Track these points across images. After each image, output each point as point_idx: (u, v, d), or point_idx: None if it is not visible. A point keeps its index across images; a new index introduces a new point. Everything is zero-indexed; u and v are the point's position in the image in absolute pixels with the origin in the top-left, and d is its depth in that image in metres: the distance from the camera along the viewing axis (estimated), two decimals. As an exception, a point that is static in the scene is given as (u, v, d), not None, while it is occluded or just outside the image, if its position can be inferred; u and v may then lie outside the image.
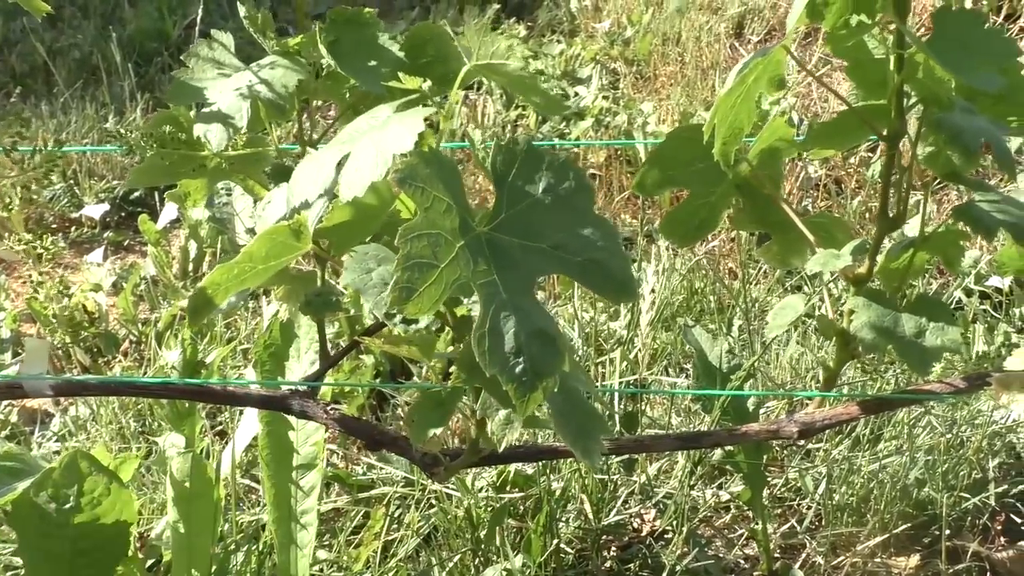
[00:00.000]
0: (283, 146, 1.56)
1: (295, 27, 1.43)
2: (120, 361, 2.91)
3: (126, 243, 3.61)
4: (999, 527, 2.23)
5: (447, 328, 1.36)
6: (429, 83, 1.24)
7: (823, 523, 2.23)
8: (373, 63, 1.45)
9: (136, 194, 3.74)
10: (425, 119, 1.16)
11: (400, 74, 1.24)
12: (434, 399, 1.29)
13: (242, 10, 1.48)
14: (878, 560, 2.17)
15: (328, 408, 1.46)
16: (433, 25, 1.53)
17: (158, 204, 3.57)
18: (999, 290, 2.92)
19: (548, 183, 1.14)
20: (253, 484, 2.34)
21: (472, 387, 1.24)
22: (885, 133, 1.37)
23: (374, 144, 1.16)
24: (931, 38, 1.27)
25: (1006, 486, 2.24)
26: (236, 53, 1.50)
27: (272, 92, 1.39)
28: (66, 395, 1.64)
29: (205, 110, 1.41)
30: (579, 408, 1.19)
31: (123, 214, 3.73)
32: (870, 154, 3.58)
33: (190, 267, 3.25)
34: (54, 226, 3.63)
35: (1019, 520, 2.23)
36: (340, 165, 1.18)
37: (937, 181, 1.48)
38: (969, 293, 2.90)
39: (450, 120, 1.24)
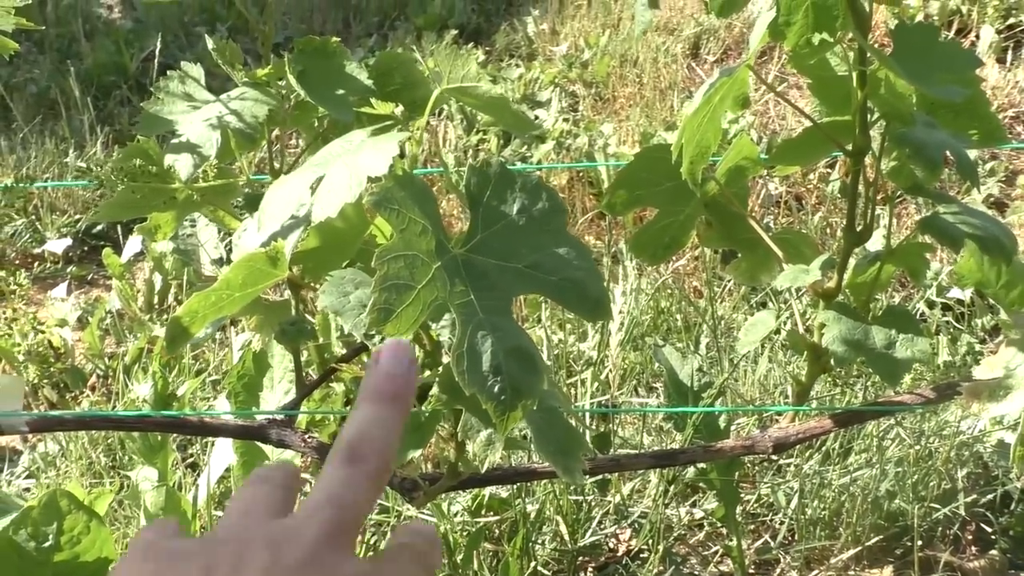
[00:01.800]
0: (253, 176, 1.56)
1: (252, 57, 1.43)
2: (88, 396, 2.90)
3: (90, 277, 3.59)
4: (970, 537, 2.26)
5: (420, 353, 1.37)
6: (401, 108, 1.25)
7: (796, 537, 2.24)
8: (341, 91, 1.45)
9: (99, 228, 3.73)
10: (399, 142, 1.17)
11: (372, 100, 1.24)
12: (412, 422, 1.29)
13: (210, 43, 1.48)
14: (851, 573, 2.19)
15: (306, 436, 1.46)
16: (400, 53, 1.54)
17: (121, 237, 3.56)
18: (960, 301, 2.95)
19: (522, 204, 1.15)
20: (226, 516, 2.33)
21: (452, 410, 1.25)
22: (850, 148, 1.39)
23: (348, 167, 1.17)
24: (892, 52, 1.29)
25: (975, 496, 2.27)
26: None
27: (242, 122, 1.39)
28: (42, 431, 1.64)
29: (174, 141, 1.41)
30: (558, 426, 1.20)
31: (86, 248, 3.72)
32: (829, 170, 3.62)
33: (155, 299, 3.24)
34: (16, 262, 3.60)
35: (989, 529, 2.26)
36: (313, 188, 1.19)
37: (898, 195, 1.50)
38: (931, 305, 2.94)
39: (419, 145, 1.25)
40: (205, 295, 1.26)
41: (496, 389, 1.06)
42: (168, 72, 1.47)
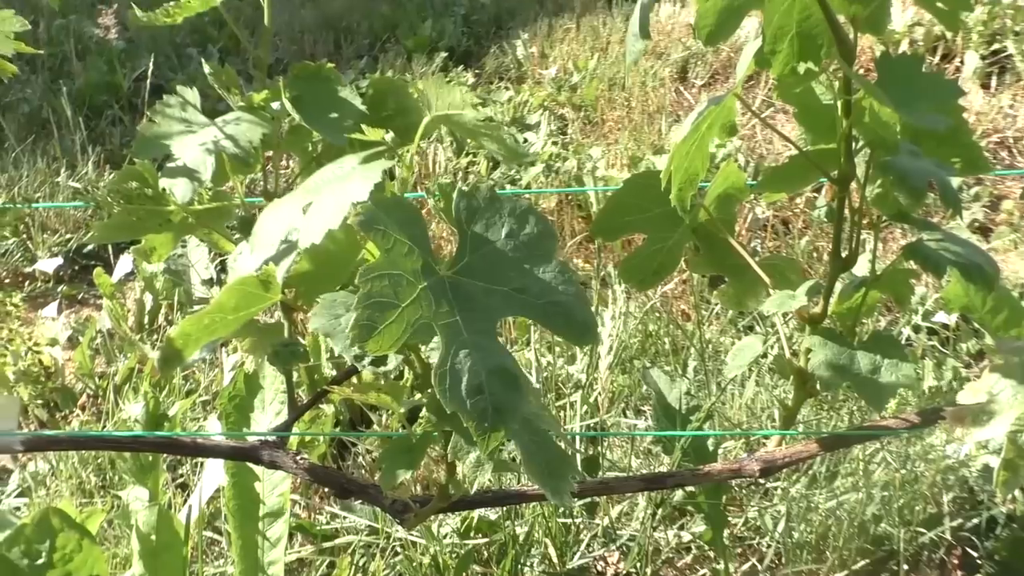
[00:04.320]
0: (248, 199, 1.58)
1: (243, 79, 1.45)
2: (78, 415, 2.90)
3: (80, 296, 3.59)
4: (956, 561, 2.27)
5: (408, 375, 1.39)
6: (392, 135, 1.27)
7: (783, 561, 2.25)
8: (335, 116, 1.47)
9: (90, 248, 3.73)
10: (386, 169, 1.19)
11: (364, 126, 1.26)
12: (404, 444, 1.31)
13: (206, 67, 1.50)
14: (838, 595, 2.20)
15: (298, 458, 1.47)
16: (393, 79, 1.56)
17: (112, 257, 3.56)
18: (946, 326, 2.97)
19: (510, 229, 1.17)
20: (215, 536, 2.34)
21: (443, 432, 1.26)
22: (835, 176, 1.41)
23: (335, 194, 1.19)
24: (877, 81, 1.32)
25: (961, 520, 2.28)
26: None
27: (237, 147, 1.41)
28: (37, 450, 1.65)
29: (170, 164, 1.42)
30: (547, 449, 1.21)
31: (77, 268, 3.72)
32: (815, 195, 3.64)
33: (146, 319, 3.25)
34: (7, 281, 3.61)
35: (975, 554, 2.27)
36: (305, 213, 1.21)
37: (883, 220, 1.52)
38: (917, 329, 2.96)
39: (411, 170, 1.27)
40: (198, 318, 1.27)
41: (477, 408, 1.08)
42: (164, 96, 1.49)
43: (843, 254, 1.46)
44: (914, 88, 1.33)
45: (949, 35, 4.42)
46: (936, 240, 1.42)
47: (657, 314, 3.02)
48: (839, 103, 1.37)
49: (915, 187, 1.34)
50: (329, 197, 1.17)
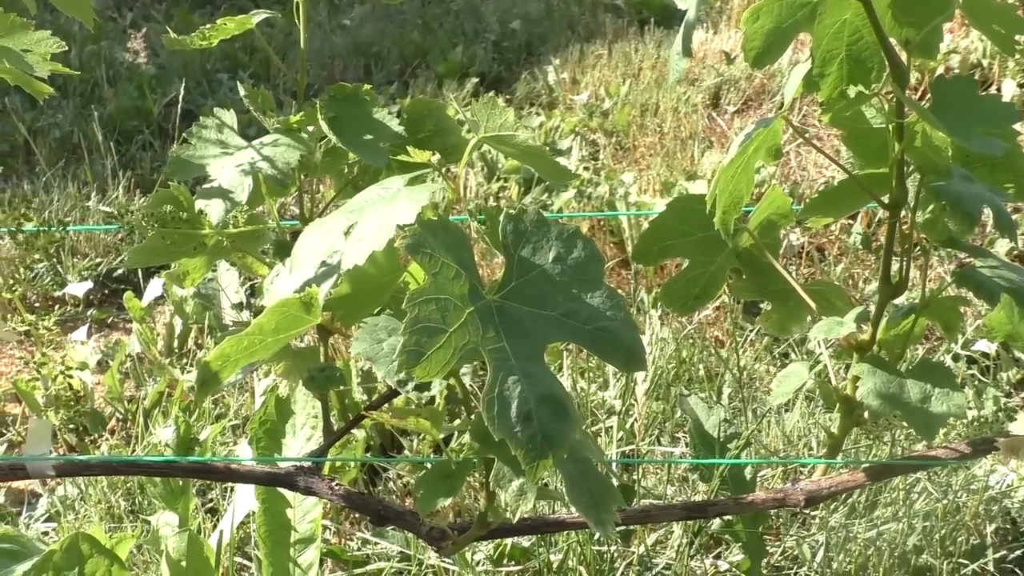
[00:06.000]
0: (284, 222, 1.56)
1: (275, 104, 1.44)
2: (107, 439, 2.89)
3: (110, 320, 3.58)
4: (998, 593, 2.23)
5: (440, 401, 1.36)
6: (438, 157, 1.25)
7: (822, 592, 2.22)
8: (372, 138, 1.45)
9: (119, 271, 3.72)
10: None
11: (409, 148, 1.24)
12: (443, 471, 1.28)
13: (242, 90, 1.49)
14: (878, 628, 2.16)
15: (333, 484, 1.45)
16: (431, 100, 1.54)
17: (142, 281, 3.55)
18: (986, 355, 2.93)
19: (557, 253, 1.15)
20: (245, 562, 2.32)
21: (483, 459, 1.23)
22: (886, 201, 1.38)
23: (379, 215, 1.17)
24: (931, 106, 1.29)
25: (1004, 552, 2.24)
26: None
27: (275, 168, 1.39)
28: (69, 475, 1.63)
29: (206, 185, 1.41)
30: (591, 478, 1.18)
31: (107, 292, 3.72)
32: (851, 221, 3.60)
33: (175, 343, 3.23)
34: (37, 305, 3.60)
35: (1017, 585, 2.23)
36: (347, 235, 1.19)
37: (931, 246, 1.49)
38: (956, 358, 2.92)
39: (455, 193, 1.25)
40: (238, 340, 1.25)
41: (526, 435, 1.05)
42: (202, 118, 1.47)
43: (893, 280, 1.43)
44: (969, 112, 1.30)
45: (986, 63, 4.39)
46: (990, 267, 1.39)
47: (691, 341, 2.99)
48: (890, 127, 1.35)
49: (969, 213, 1.31)
50: (374, 218, 1.15)
